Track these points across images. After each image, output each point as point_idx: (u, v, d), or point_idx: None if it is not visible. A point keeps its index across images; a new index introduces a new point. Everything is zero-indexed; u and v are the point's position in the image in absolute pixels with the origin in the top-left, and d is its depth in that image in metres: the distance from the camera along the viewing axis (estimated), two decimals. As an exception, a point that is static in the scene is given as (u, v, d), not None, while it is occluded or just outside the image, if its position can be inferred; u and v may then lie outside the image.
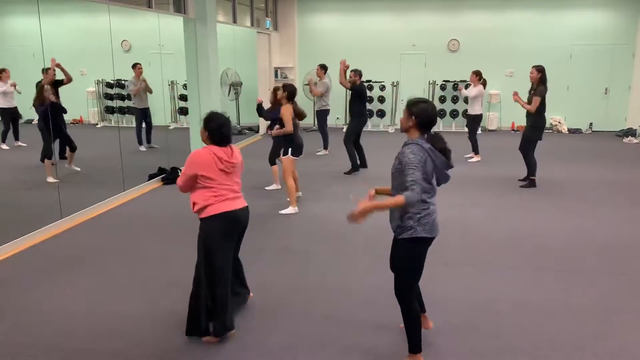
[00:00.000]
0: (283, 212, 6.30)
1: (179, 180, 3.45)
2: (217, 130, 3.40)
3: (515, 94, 7.42)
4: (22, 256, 5.03)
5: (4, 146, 8.70)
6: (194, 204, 3.41)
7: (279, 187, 7.33)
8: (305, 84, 12.43)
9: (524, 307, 3.92)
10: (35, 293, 4.22)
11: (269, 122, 7.21)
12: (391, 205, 2.87)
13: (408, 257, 3.02)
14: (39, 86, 7.45)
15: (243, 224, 3.56)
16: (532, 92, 7.25)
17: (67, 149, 7.94)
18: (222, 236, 3.41)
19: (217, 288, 3.42)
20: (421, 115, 2.92)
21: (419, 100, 2.99)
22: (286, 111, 6.17)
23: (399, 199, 2.78)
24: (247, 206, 3.56)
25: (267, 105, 7.62)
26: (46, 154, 7.48)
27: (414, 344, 3.11)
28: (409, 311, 3.06)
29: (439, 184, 3.03)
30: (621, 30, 12.22)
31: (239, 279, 3.82)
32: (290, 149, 6.27)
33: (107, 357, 3.31)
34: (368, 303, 3.99)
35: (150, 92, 9.95)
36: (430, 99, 12.80)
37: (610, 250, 5.05)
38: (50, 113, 7.10)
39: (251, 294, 3.97)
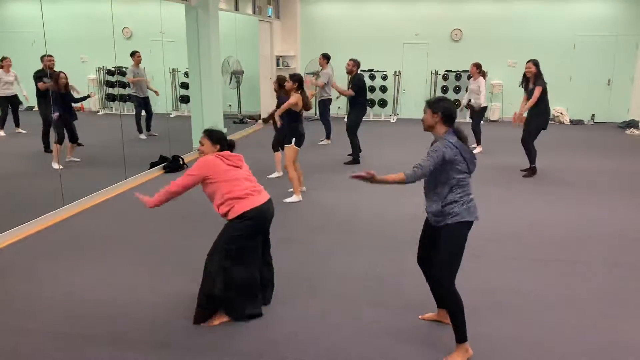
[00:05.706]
0: (287, 200, 6.30)
1: (179, 180, 3.60)
2: (224, 140, 3.65)
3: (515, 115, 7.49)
4: (25, 243, 5.05)
5: (2, 133, 8.70)
6: (217, 207, 3.53)
7: (281, 174, 7.33)
8: (307, 73, 12.37)
9: (524, 297, 3.93)
10: (38, 280, 4.24)
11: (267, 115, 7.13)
12: (393, 180, 3.03)
13: (457, 239, 3.08)
14: (52, 75, 7.41)
15: (270, 217, 3.68)
16: (532, 85, 7.19)
17: (67, 138, 7.89)
18: (250, 233, 3.52)
19: (245, 275, 3.53)
20: (445, 110, 3.10)
21: (438, 99, 3.20)
22: (295, 100, 6.20)
23: (401, 175, 3.00)
24: (270, 198, 3.67)
25: (265, 95, 7.57)
26: (57, 139, 7.49)
27: (463, 333, 3.12)
28: (457, 299, 3.11)
29: (470, 172, 3.15)
30: (626, 21, 12.15)
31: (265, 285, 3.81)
32: (294, 139, 6.28)
33: (110, 342, 3.33)
34: (372, 291, 4.00)
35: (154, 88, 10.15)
36: (432, 89, 12.86)
37: (612, 241, 5.06)
38: (62, 101, 7.25)
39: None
